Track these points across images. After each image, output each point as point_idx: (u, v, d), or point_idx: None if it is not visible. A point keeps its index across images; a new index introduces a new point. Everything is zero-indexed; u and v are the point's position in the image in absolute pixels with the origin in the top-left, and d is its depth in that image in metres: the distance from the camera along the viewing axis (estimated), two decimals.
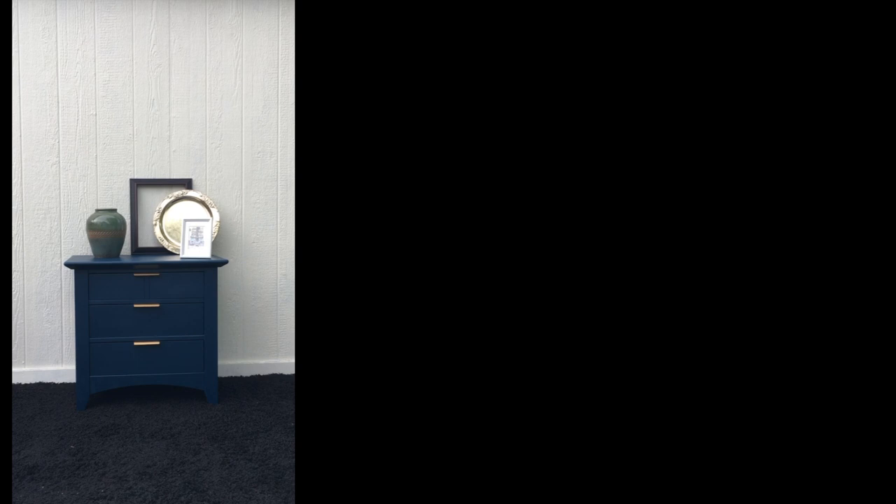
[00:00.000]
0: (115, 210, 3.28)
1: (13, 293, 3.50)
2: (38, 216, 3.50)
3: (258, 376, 3.70)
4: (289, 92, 3.69)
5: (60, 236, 3.52)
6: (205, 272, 3.16)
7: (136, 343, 3.07)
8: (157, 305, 3.10)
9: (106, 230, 3.20)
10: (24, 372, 3.52)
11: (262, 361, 3.77)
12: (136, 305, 3.05)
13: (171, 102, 3.60)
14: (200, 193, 3.59)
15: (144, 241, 3.55)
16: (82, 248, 3.54)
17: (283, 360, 3.78)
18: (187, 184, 3.60)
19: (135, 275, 3.05)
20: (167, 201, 3.53)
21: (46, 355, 3.56)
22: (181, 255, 3.26)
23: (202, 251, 3.27)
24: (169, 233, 3.53)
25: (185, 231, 3.28)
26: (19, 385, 3.47)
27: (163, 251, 3.52)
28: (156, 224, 3.49)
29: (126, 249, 3.54)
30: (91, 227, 3.22)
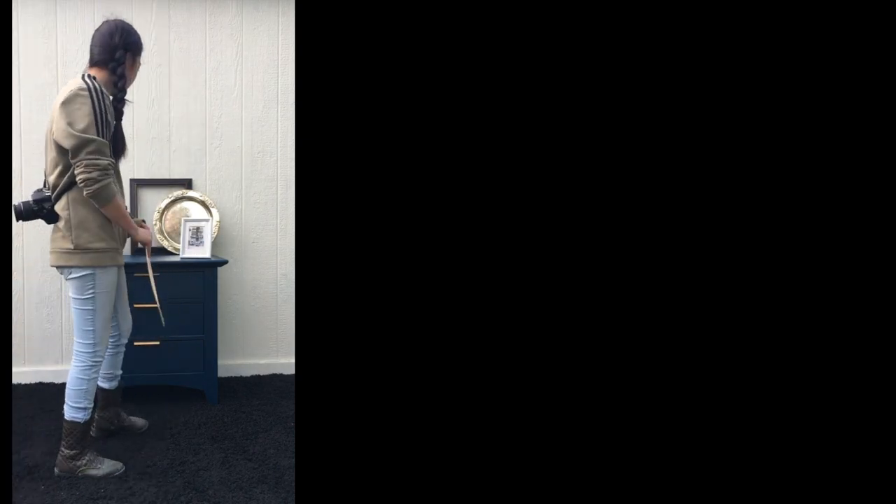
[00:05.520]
0: None
1: (13, 293, 3.50)
2: None
3: (258, 376, 3.70)
4: (289, 92, 3.69)
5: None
6: (205, 272, 3.16)
7: (136, 343, 3.07)
8: (157, 306, 3.10)
9: None
10: (24, 372, 3.52)
11: (262, 361, 3.76)
12: (136, 305, 3.04)
13: (171, 102, 3.60)
14: (200, 193, 3.58)
15: None
16: None
17: (283, 360, 3.78)
18: (187, 184, 3.60)
19: (135, 275, 3.05)
20: (167, 201, 3.53)
21: (46, 355, 3.56)
22: (181, 255, 3.26)
23: (202, 251, 3.27)
24: (169, 233, 3.53)
25: (185, 231, 3.28)
26: (19, 385, 3.47)
27: (163, 251, 3.51)
28: (156, 224, 3.49)
29: (126, 249, 3.54)
30: None
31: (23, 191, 3.49)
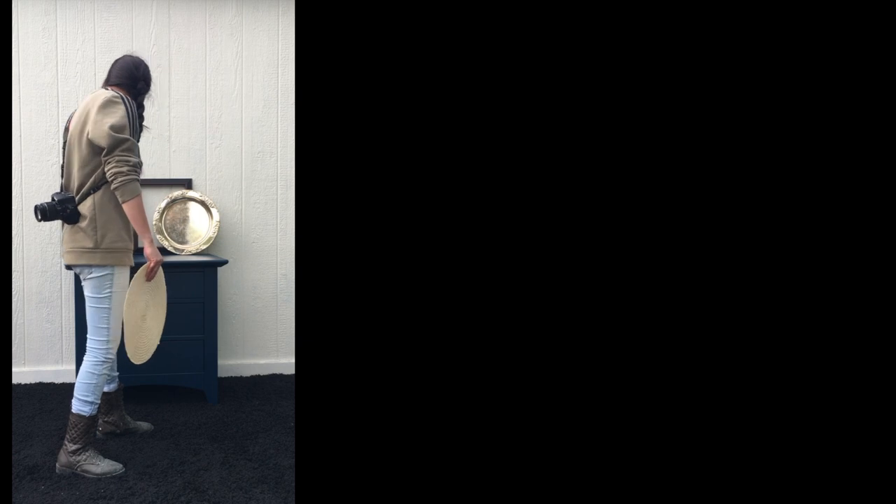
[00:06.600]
0: None
1: (13, 293, 3.50)
2: None
3: (258, 376, 3.70)
4: (289, 92, 3.69)
5: (60, 236, 3.52)
6: (205, 272, 3.16)
7: None
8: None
9: None
10: (24, 372, 3.52)
11: (262, 361, 3.77)
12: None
13: (171, 102, 3.60)
14: (200, 193, 3.59)
15: None
16: None
17: (283, 360, 3.78)
18: (187, 184, 3.60)
19: None
20: (167, 201, 3.53)
21: (46, 355, 3.56)
22: (181, 255, 3.26)
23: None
24: (169, 233, 3.53)
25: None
26: (19, 385, 3.47)
27: (163, 251, 3.51)
28: (156, 224, 3.49)
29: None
30: None
31: (23, 190, 3.49)
